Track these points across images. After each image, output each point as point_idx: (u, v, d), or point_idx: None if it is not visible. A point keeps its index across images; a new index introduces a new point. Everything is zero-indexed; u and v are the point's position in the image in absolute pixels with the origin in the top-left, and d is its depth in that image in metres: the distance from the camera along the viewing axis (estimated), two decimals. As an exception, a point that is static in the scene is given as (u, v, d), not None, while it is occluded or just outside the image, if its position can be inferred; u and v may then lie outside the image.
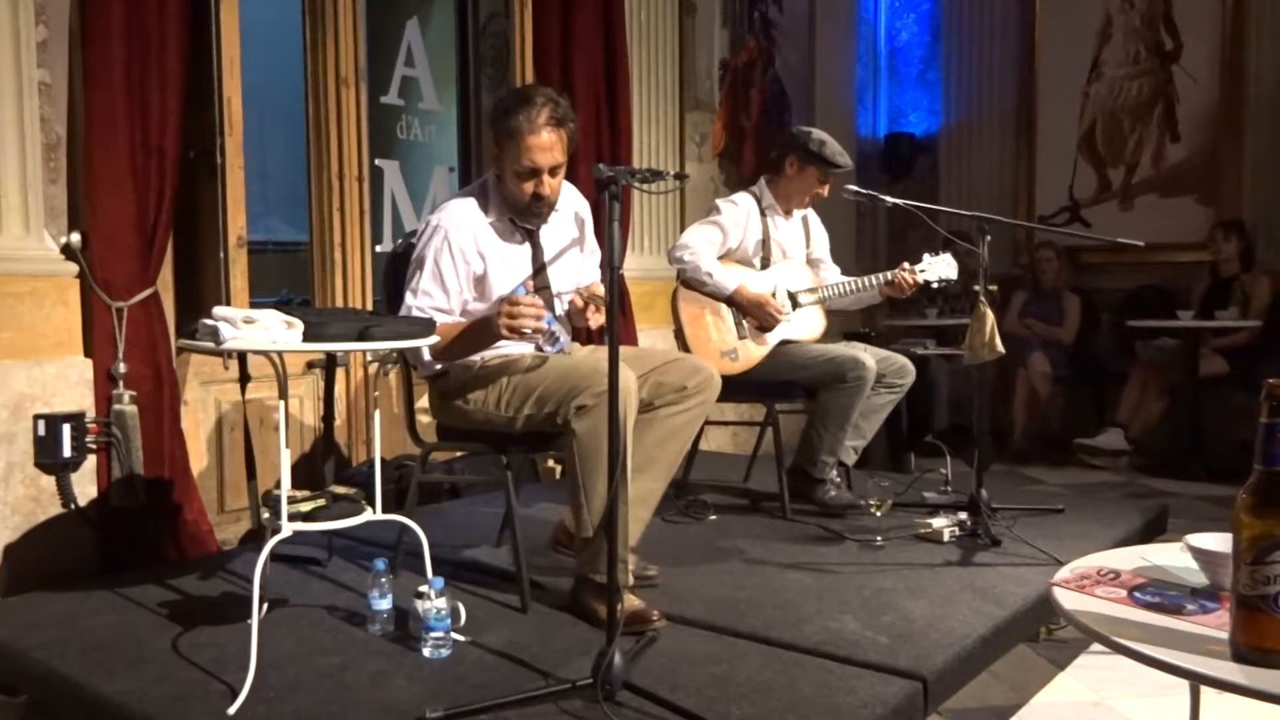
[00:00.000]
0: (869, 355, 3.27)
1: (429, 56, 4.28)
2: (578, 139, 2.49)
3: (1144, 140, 5.86)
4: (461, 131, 4.43)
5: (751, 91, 5.54)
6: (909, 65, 6.66)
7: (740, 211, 3.43)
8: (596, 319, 2.50)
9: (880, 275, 3.43)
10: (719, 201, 3.47)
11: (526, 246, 2.58)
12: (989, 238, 3.11)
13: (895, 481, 3.79)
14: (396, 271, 2.67)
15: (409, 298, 2.47)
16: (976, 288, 3.16)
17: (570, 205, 2.65)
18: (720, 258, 3.41)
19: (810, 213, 3.62)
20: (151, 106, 2.85)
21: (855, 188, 3.35)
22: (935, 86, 6.55)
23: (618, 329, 2.03)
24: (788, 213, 3.49)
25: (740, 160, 5.46)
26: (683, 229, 4.95)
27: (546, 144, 2.40)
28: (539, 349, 2.35)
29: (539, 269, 2.59)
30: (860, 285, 3.46)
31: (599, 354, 2.58)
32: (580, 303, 2.55)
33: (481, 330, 2.36)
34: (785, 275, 3.48)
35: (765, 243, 3.46)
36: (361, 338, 2.05)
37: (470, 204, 2.52)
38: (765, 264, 3.47)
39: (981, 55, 6.33)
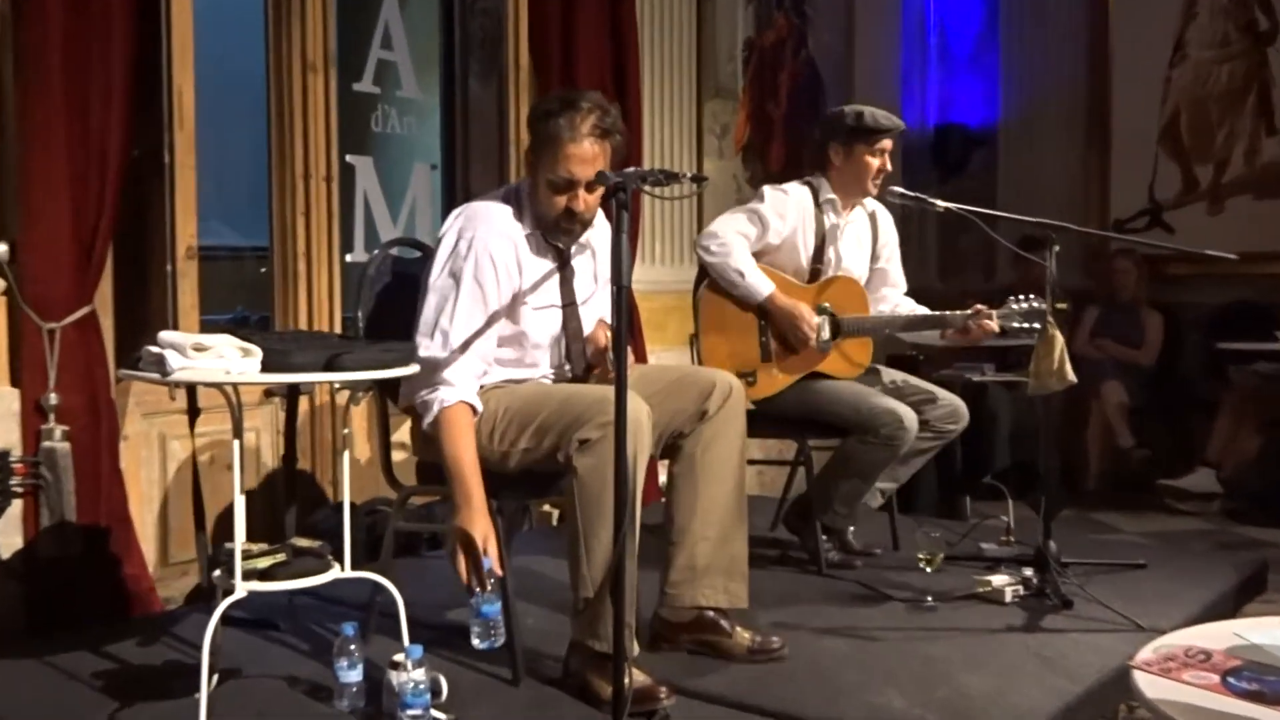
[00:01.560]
0: (910, 412, 3.22)
1: (409, 38, 4.30)
2: (623, 150, 2.49)
3: (1236, 133, 5.85)
4: (446, 124, 4.45)
5: (780, 76, 5.56)
6: (962, 46, 6.68)
7: (789, 202, 3.36)
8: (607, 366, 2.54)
9: (947, 315, 3.39)
10: (766, 188, 3.40)
11: (554, 264, 2.58)
12: (1056, 248, 3.11)
13: (948, 531, 3.77)
14: (373, 302, 2.69)
15: (445, 322, 2.40)
16: (1043, 305, 3.15)
17: (599, 233, 2.67)
18: (759, 262, 3.37)
19: (880, 210, 3.58)
20: (93, 100, 2.87)
21: (901, 190, 3.34)
22: (992, 70, 6.56)
23: (624, 354, 2.03)
24: (848, 209, 3.47)
25: (767, 155, 5.47)
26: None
27: (588, 155, 2.41)
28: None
29: (569, 302, 2.60)
30: (921, 322, 3.43)
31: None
32: (602, 342, 2.58)
33: (459, 488, 2.31)
34: (835, 295, 3.44)
35: (820, 247, 3.41)
36: (330, 367, 2.06)
37: (504, 210, 2.52)
38: (815, 275, 3.44)
39: (1046, 35, 6.34)
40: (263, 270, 4.09)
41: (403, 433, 2.96)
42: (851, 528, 3.45)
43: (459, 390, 2.39)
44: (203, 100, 3.34)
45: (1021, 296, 3.40)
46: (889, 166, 3.40)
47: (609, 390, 2.32)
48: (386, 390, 2.61)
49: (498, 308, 2.47)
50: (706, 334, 3.33)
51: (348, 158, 4.01)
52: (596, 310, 2.70)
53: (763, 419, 3.24)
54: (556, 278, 2.58)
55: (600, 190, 2.47)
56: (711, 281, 3.33)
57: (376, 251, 2.84)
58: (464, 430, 2.37)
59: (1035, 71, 6.38)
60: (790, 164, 5.47)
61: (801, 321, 3.30)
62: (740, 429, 2.60)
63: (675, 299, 4.55)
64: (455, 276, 2.45)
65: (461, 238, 2.47)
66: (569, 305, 2.60)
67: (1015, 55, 6.45)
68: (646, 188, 2.13)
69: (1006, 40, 6.49)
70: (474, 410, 2.41)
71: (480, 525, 2.28)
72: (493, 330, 2.47)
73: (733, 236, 3.30)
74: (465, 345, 2.42)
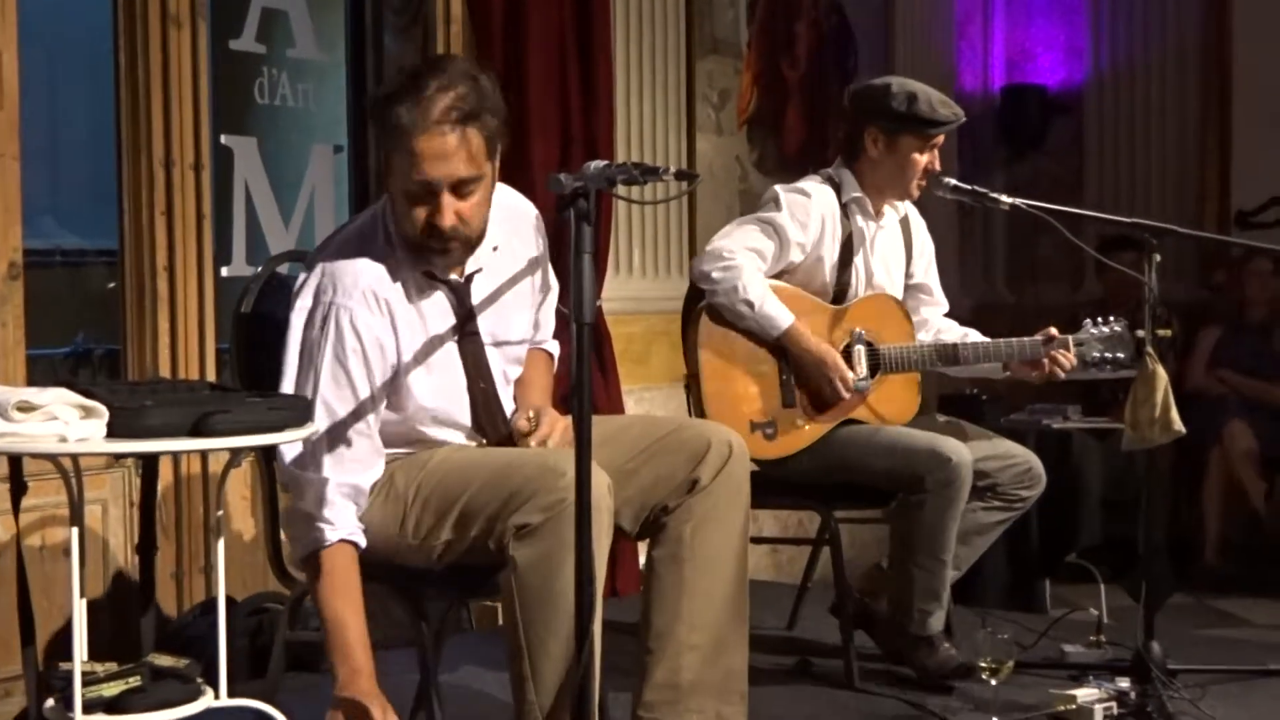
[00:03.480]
0: (962, 445, 3.26)
1: (304, -20, 4.34)
2: (503, 135, 2.47)
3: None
4: (354, 92, 4.48)
5: (797, 25, 5.60)
6: (1037, -18, 6.76)
7: (812, 208, 3.41)
8: (539, 435, 2.56)
9: (1010, 344, 3.43)
10: (780, 189, 3.45)
11: (447, 307, 2.57)
12: (1157, 257, 3.15)
13: (1020, 628, 3.78)
14: (251, 342, 2.71)
15: (314, 427, 2.40)
16: (1141, 333, 3.18)
17: (512, 223, 2.68)
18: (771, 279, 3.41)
19: (912, 211, 3.64)
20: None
21: (954, 181, 3.39)
22: (1077, 15, 6.62)
23: (589, 415, 2.06)
24: (878, 212, 3.52)
25: (781, 129, 5.51)
26: (693, 237, 5.00)
27: (444, 148, 2.37)
28: None
29: (473, 358, 2.59)
30: (982, 353, 3.46)
31: (565, 434, 2.62)
32: (525, 427, 2.59)
33: (341, 656, 2.37)
34: (868, 318, 3.48)
35: (846, 261, 3.47)
36: (199, 431, 2.08)
37: (370, 259, 2.49)
38: (842, 294, 3.49)
39: (1148, -32, 6.41)
40: (110, 286, 4.09)
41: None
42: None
43: (338, 525, 2.41)
44: (29, 67, 3.34)
45: (1100, 319, 3.43)
46: (938, 165, 3.44)
47: (552, 457, 2.35)
48: (274, 455, 2.63)
49: (370, 397, 2.46)
50: (710, 378, 3.34)
51: (224, 139, 4.01)
52: (515, 331, 2.69)
53: (773, 483, 3.28)
54: (450, 320, 2.57)
55: (479, 195, 2.45)
56: (716, 309, 3.35)
57: (260, 269, 2.87)
58: (346, 581, 2.40)
59: (1134, 17, 6.43)
60: (812, 142, 5.51)
61: (832, 372, 3.33)
62: (743, 504, 2.63)
63: (662, 322, 4.58)
64: (313, 363, 2.44)
65: (318, 304, 2.46)
66: (473, 362, 2.60)
67: (1107, -5, 6.52)
68: (618, 191, 2.17)
69: (1097, -25, 6.56)
70: (357, 547, 2.44)
71: (377, 701, 2.31)
72: (370, 426, 2.48)
73: (743, 255, 3.33)
74: (338, 458, 2.42)
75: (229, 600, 2.40)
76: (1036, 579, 4.72)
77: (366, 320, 2.45)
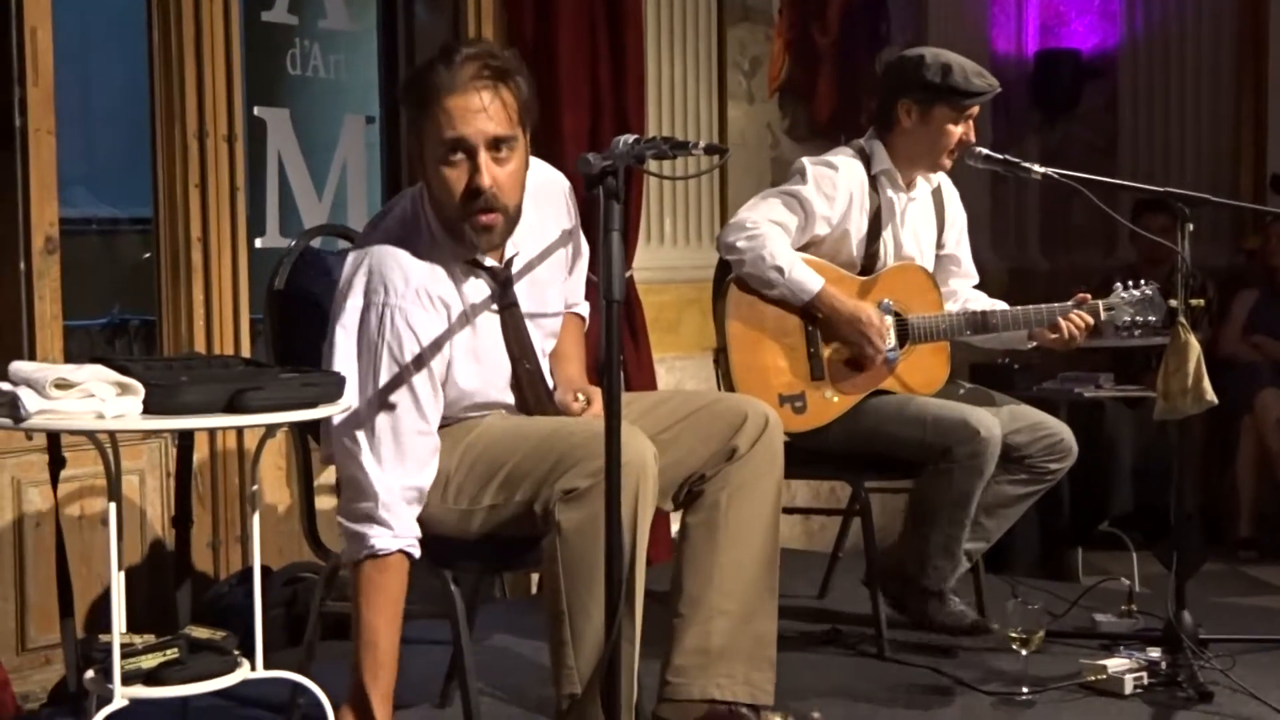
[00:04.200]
0: (992, 417, 3.26)
1: (335, -49, 4.34)
2: (534, 107, 2.48)
3: None
4: (385, 62, 4.48)
5: (829, -8, 5.58)
6: (1072, -55, 6.70)
7: (839, 181, 3.39)
8: (594, 412, 2.59)
9: (1040, 310, 3.42)
10: (806, 161, 3.43)
11: (490, 293, 2.57)
12: (1190, 226, 3.13)
13: (1052, 597, 3.79)
14: (285, 316, 2.72)
15: (368, 423, 2.42)
16: (1173, 302, 3.17)
17: (545, 198, 2.68)
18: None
19: (945, 182, 3.63)
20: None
21: (986, 151, 3.37)
22: (1112, -22, 6.58)
23: (619, 392, 2.07)
24: (910, 184, 3.51)
25: (812, 97, 5.48)
26: (724, 205, 5.00)
27: (475, 104, 2.38)
28: None
29: (518, 343, 2.60)
30: (1010, 320, 3.45)
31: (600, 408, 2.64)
32: (578, 409, 2.62)
33: (368, 666, 2.41)
34: (896, 288, 3.48)
35: (874, 234, 3.46)
36: (233, 407, 2.10)
37: (411, 259, 2.48)
38: (870, 267, 3.48)
39: (1183, -71, 6.35)
40: (146, 256, 4.11)
41: (331, 473, 2.98)
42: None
43: (397, 531, 2.42)
44: (63, 41, 3.36)
45: (1131, 283, 3.42)
46: (972, 136, 3.42)
47: (600, 424, 2.36)
48: (309, 428, 2.65)
49: (429, 396, 2.48)
50: (738, 351, 3.34)
51: (256, 110, 4.03)
52: (552, 309, 2.71)
53: (804, 454, 3.27)
54: (494, 317, 2.59)
55: (515, 160, 2.45)
56: (743, 280, 3.34)
57: (294, 242, 2.88)
58: (391, 599, 2.42)
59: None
60: (844, 109, 5.49)
61: (868, 328, 3.32)
62: (777, 475, 2.64)
63: (692, 291, 4.59)
64: (372, 365, 2.45)
65: (371, 305, 2.46)
66: (517, 344, 2.61)
67: (1142, -43, 6.47)
68: (648, 167, 2.17)
69: (1130, -63, 6.50)
70: (411, 559, 2.45)
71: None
72: (430, 425, 2.49)
73: (767, 225, 3.32)
74: (399, 460, 2.43)
75: (264, 569, 2.41)
76: (1068, 547, 4.71)
77: (422, 320, 2.46)
